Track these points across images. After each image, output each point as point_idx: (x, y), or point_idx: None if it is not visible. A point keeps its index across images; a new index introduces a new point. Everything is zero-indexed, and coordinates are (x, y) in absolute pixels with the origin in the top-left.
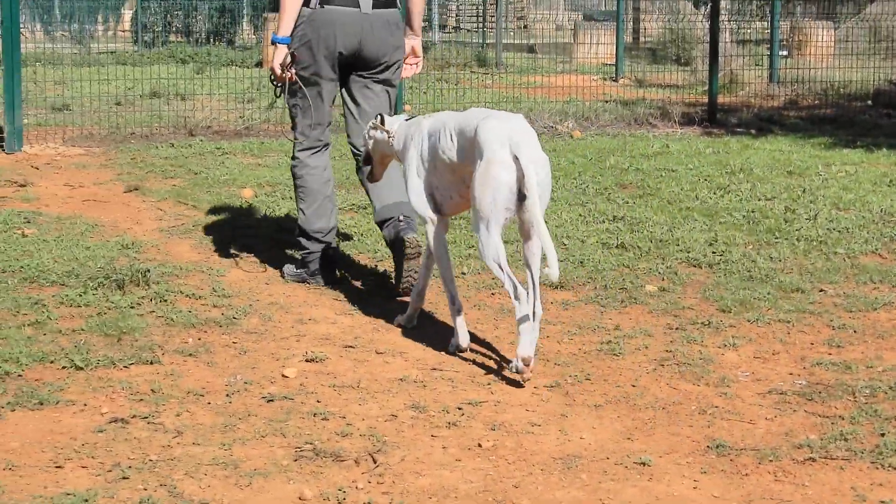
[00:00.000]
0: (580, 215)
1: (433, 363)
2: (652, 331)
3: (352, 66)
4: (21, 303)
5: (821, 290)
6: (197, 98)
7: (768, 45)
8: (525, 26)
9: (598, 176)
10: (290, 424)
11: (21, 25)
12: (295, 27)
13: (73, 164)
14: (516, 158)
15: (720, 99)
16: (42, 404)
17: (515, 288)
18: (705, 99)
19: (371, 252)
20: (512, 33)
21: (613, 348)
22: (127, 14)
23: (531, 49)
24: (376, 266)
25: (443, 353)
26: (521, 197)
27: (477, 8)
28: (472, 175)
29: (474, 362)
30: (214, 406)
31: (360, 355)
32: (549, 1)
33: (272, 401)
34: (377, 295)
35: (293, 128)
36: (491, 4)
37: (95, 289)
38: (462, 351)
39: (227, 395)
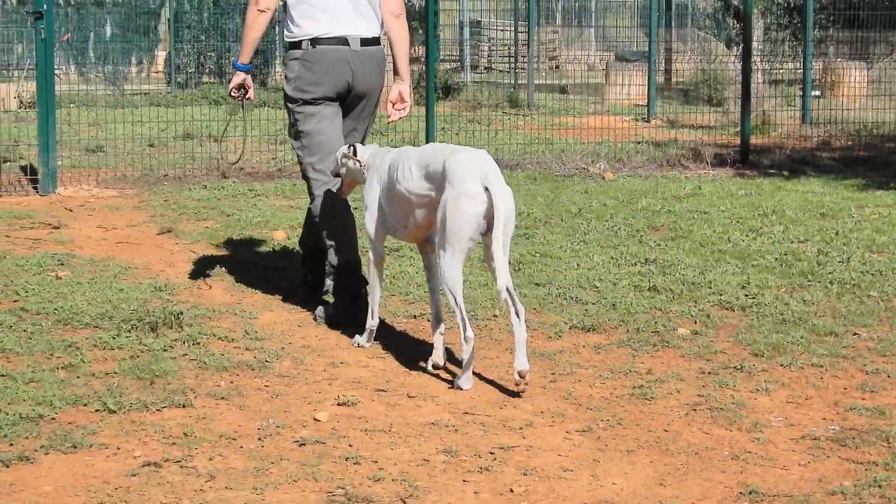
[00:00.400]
0: (612, 258)
1: (465, 407)
2: (684, 375)
3: (343, 100)
4: (55, 345)
5: (854, 334)
6: (230, 139)
7: (801, 86)
8: (557, 66)
9: (629, 218)
10: (322, 469)
11: (55, 67)
12: (289, 66)
13: (106, 206)
14: (487, 190)
15: (752, 140)
16: (75, 447)
17: (465, 327)
18: (737, 140)
19: (402, 294)
20: (543, 73)
21: (645, 392)
22: (160, 55)
23: (563, 89)
24: (408, 309)
25: (475, 397)
26: (489, 226)
27: (508, 48)
28: (441, 204)
29: (505, 406)
30: (247, 450)
31: (391, 399)
32: (580, 41)
33: (304, 445)
34: (409, 338)
35: (304, 176)
36: (523, 45)
37: (129, 331)
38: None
39: (260, 439)
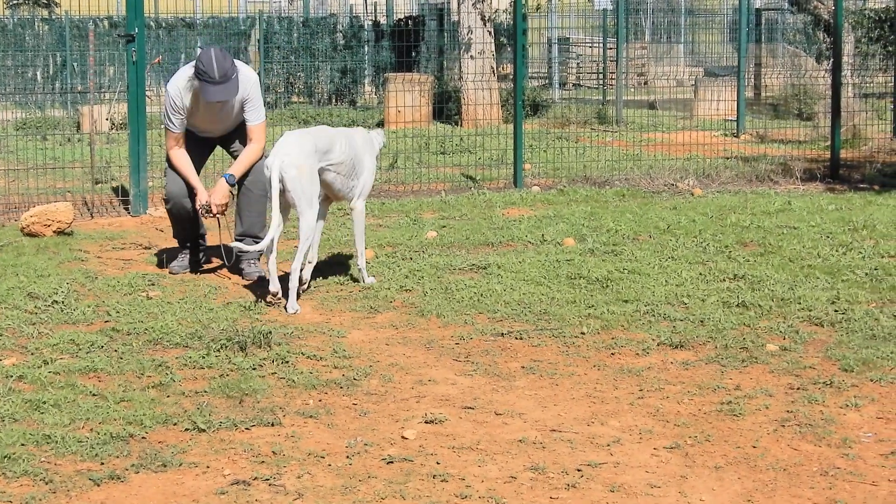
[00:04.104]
0: (700, 274)
1: (552, 424)
2: (773, 391)
3: None
4: (145, 365)
5: None
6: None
7: (892, 99)
8: (645, 83)
9: (718, 234)
10: (410, 487)
11: (146, 89)
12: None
13: None
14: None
15: (843, 154)
16: (165, 466)
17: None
18: (828, 154)
19: (490, 312)
20: (632, 90)
21: (734, 409)
22: None
23: (651, 105)
24: (495, 327)
25: (562, 414)
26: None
27: (597, 65)
28: None
29: (593, 423)
30: (335, 468)
31: (479, 417)
32: (669, 57)
33: (392, 462)
34: (496, 355)
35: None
36: (611, 61)
37: (218, 351)
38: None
39: (348, 457)
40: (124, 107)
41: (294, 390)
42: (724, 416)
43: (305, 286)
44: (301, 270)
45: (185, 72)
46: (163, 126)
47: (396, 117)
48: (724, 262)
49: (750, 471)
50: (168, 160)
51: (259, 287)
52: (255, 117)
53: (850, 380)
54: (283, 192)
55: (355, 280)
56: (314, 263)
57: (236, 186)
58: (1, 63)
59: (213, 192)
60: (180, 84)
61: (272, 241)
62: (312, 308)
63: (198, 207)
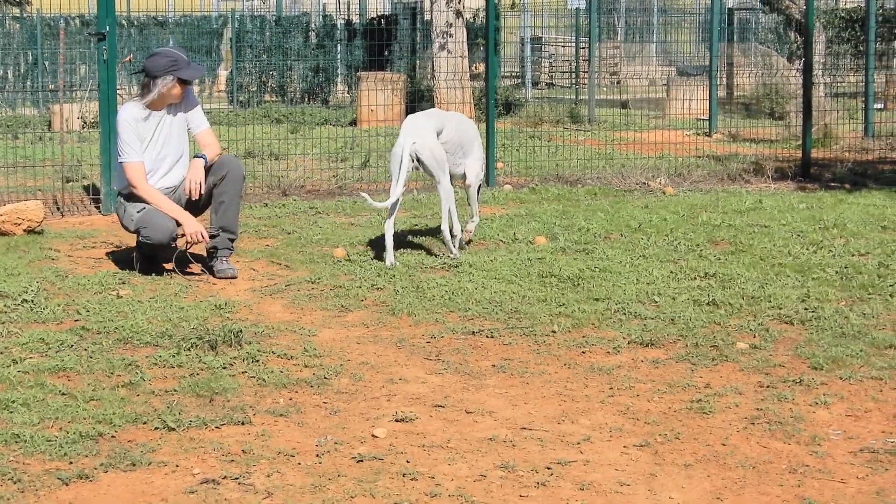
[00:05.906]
0: (671, 272)
1: (522, 423)
2: (742, 389)
3: None
4: (115, 364)
5: None
6: (291, 158)
7: (863, 99)
8: (618, 82)
9: (689, 233)
10: (380, 485)
11: (118, 87)
12: None
13: None
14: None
15: (814, 153)
16: (134, 465)
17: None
18: (799, 153)
19: (461, 310)
20: (605, 89)
21: (703, 407)
22: (222, 74)
23: (624, 104)
24: (466, 325)
25: (533, 412)
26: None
27: (570, 64)
28: None
29: (563, 421)
30: (305, 466)
31: (449, 415)
32: (642, 56)
33: (362, 461)
34: (468, 354)
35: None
36: (584, 60)
37: (188, 349)
38: None
39: (318, 456)
40: (96, 105)
41: (264, 389)
42: (693, 413)
43: (466, 239)
44: (451, 231)
45: (132, 102)
46: (120, 163)
47: (369, 116)
48: (695, 260)
49: (719, 468)
50: (139, 197)
51: (230, 284)
52: (204, 122)
53: (819, 378)
54: (416, 168)
55: (332, 287)
56: (460, 233)
57: (210, 193)
58: None
59: (190, 171)
60: (134, 110)
61: (394, 203)
62: (283, 306)
63: (189, 239)
